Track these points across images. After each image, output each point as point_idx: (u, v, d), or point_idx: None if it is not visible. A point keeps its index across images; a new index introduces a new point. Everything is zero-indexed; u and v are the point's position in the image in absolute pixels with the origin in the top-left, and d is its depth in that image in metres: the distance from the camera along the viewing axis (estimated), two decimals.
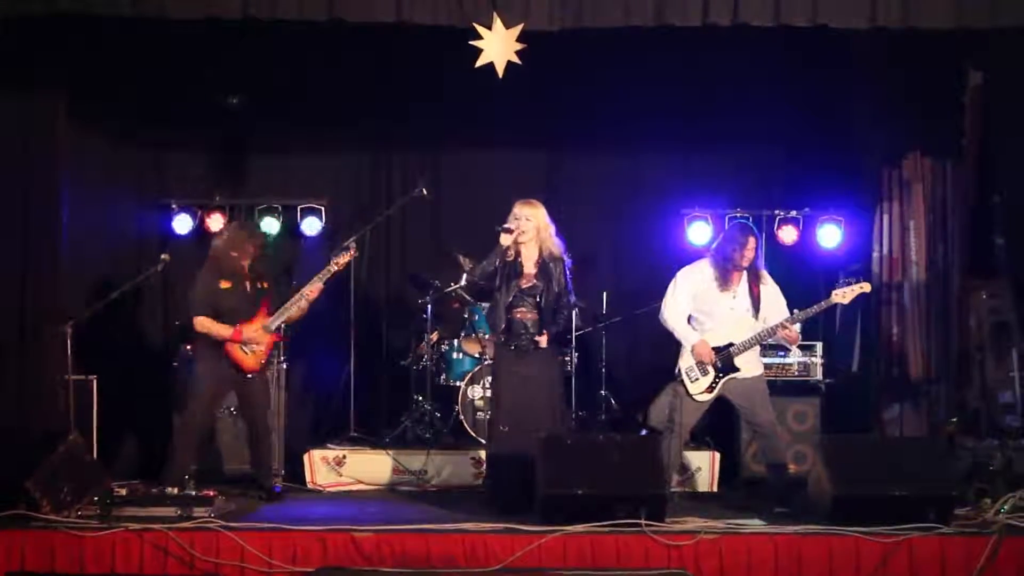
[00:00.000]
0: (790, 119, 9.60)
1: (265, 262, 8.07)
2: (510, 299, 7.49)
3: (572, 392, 8.99)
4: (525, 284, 7.51)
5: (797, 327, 7.48)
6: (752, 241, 7.50)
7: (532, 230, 7.47)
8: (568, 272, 7.56)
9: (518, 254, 7.53)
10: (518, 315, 7.50)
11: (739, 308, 7.51)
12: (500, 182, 9.53)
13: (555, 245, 7.54)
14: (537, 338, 7.49)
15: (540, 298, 7.50)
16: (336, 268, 7.94)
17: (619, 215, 9.89)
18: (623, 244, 9.87)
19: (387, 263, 10.03)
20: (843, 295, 7.40)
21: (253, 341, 7.74)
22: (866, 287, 7.44)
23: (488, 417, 7.86)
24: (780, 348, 8.80)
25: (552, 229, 7.55)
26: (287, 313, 7.85)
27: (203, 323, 7.75)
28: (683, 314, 7.58)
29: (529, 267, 7.53)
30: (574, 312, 8.89)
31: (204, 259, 8.05)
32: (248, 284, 7.86)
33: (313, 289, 7.85)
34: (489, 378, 8.25)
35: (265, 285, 7.93)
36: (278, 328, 7.86)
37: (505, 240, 7.43)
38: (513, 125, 9.70)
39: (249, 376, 7.83)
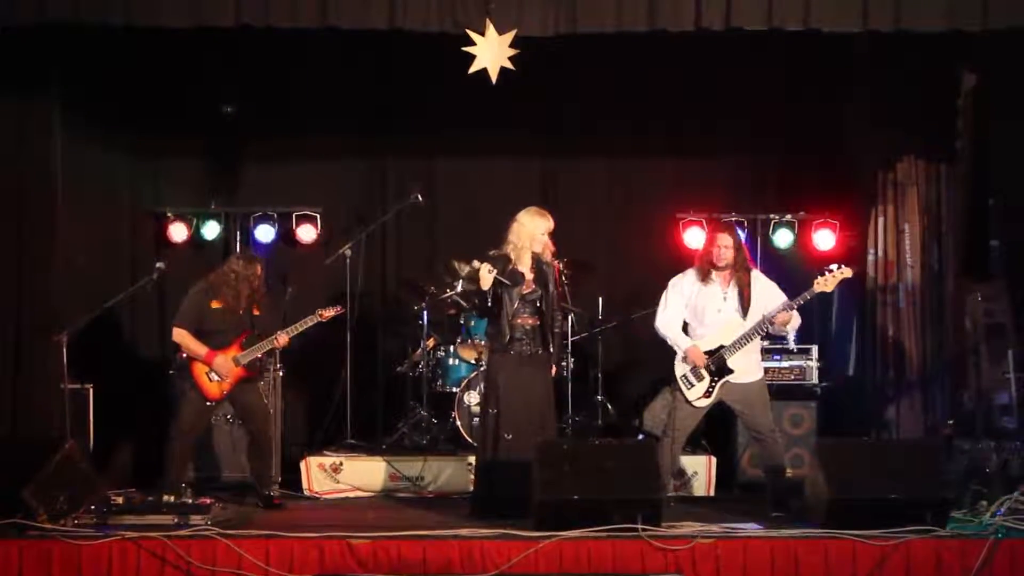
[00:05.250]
0: (784, 122, 9.61)
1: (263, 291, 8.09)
2: (514, 307, 7.49)
3: (568, 397, 9.05)
4: (526, 290, 7.51)
5: (793, 313, 7.46)
6: (725, 238, 7.50)
7: (522, 239, 7.47)
8: (560, 275, 7.57)
9: (517, 261, 7.52)
10: (519, 321, 7.50)
11: (728, 310, 7.51)
12: (495, 188, 9.56)
13: (547, 248, 7.54)
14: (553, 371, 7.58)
15: (541, 303, 7.51)
16: (320, 320, 7.96)
17: (614, 220, 9.91)
18: (618, 249, 9.87)
19: (383, 270, 10.03)
20: (825, 283, 7.37)
21: (220, 371, 7.73)
22: (847, 272, 7.40)
23: (480, 422, 7.81)
24: (776, 352, 8.81)
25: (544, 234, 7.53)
26: (260, 351, 7.84)
27: (181, 335, 7.78)
28: (675, 322, 7.59)
29: (527, 273, 7.53)
30: (570, 317, 8.99)
31: (200, 268, 8.05)
32: (241, 310, 7.86)
33: (286, 337, 7.85)
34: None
35: (257, 312, 7.91)
36: (249, 363, 7.83)
37: (485, 283, 7.31)
38: (507, 130, 9.70)
39: (209, 403, 7.83)
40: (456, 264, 8.99)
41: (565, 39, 7.64)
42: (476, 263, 7.33)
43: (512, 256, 7.49)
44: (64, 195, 8.72)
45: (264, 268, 8.04)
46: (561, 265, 7.77)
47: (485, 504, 7.36)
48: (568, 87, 9.62)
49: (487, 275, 7.29)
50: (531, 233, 7.48)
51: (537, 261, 7.52)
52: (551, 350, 7.57)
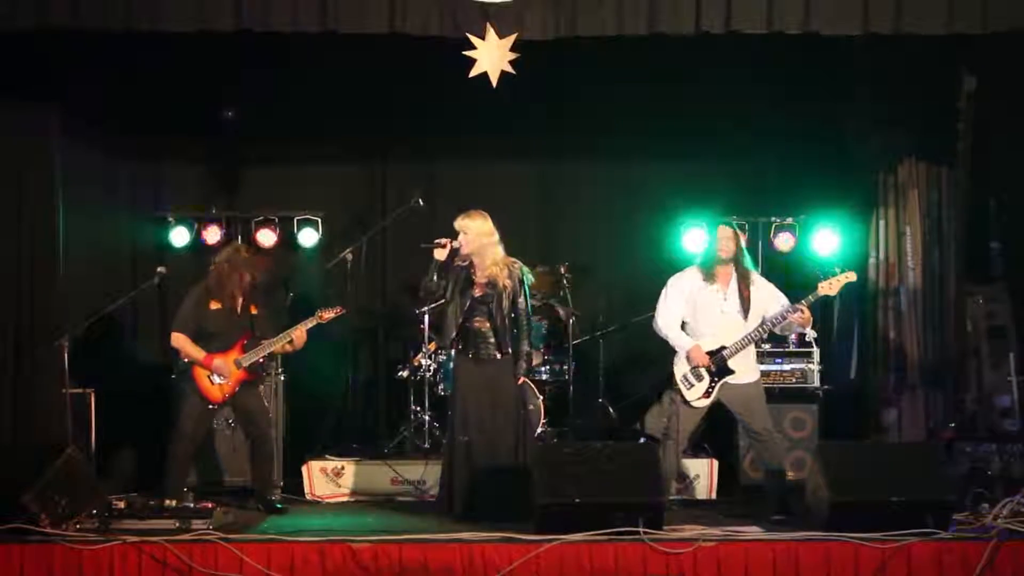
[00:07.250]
0: (785, 125, 9.60)
1: (264, 286, 8.07)
2: (466, 309, 7.53)
3: (570, 400, 9.06)
4: (478, 293, 7.57)
5: (807, 309, 7.46)
6: (725, 231, 7.56)
7: (470, 241, 7.51)
8: (521, 279, 7.56)
9: (471, 264, 7.57)
10: (475, 324, 7.56)
11: (729, 310, 7.53)
12: (496, 192, 9.53)
13: (497, 252, 7.55)
14: (518, 376, 7.56)
15: (492, 306, 7.53)
16: (321, 320, 7.91)
17: (615, 224, 9.90)
18: (619, 252, 9.87)
19: (383, 274, 10.03)
20: (830, 286, 7.39)
21: (221, 373, 7.72)
22: (851, 276, 7.44)
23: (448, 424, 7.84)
24: (777, 356, 8.80)
25: (493, 237, 7.55)
26: (261, 353, 7.82)
27: (179, 340, 7.77)
28: (675, 320, 7.60)
29: (480, 276, 7.58)
30: (571, 320, 8.99)
31: (201, 272, 8.05)
32: (239, 308, 7.85)
33: (283, 339, 7.82)
34: None
35: (255, 311, 7.90)
36: (250, 366, 7.81)
37: (439, 254, 7.49)
38: (508, 135, 9.70)
39: (212, 406, 7.82)
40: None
41: (566, 43, 7.64)
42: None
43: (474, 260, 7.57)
44: (65, 198, 8.73)
45: (248, 260, 7.93)
46: (523, 271, 7.68)
47: (443, 506, 7.51)
48: (568, 91, 9.61)
49: (441, 249, 7.49)
50: None
51: (498, 266, 7.53)
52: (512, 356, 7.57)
